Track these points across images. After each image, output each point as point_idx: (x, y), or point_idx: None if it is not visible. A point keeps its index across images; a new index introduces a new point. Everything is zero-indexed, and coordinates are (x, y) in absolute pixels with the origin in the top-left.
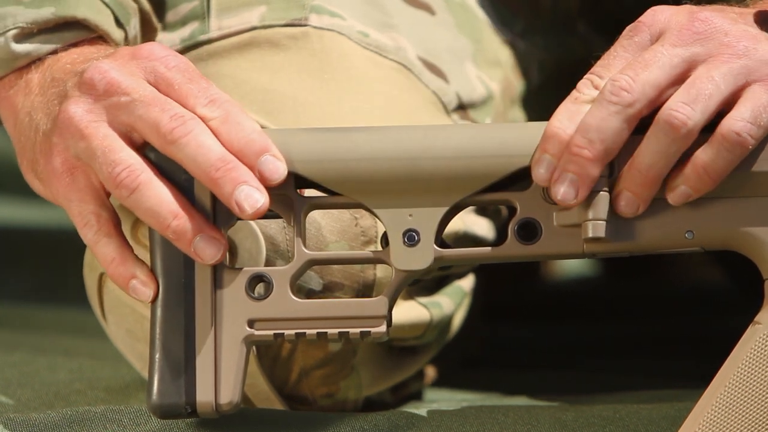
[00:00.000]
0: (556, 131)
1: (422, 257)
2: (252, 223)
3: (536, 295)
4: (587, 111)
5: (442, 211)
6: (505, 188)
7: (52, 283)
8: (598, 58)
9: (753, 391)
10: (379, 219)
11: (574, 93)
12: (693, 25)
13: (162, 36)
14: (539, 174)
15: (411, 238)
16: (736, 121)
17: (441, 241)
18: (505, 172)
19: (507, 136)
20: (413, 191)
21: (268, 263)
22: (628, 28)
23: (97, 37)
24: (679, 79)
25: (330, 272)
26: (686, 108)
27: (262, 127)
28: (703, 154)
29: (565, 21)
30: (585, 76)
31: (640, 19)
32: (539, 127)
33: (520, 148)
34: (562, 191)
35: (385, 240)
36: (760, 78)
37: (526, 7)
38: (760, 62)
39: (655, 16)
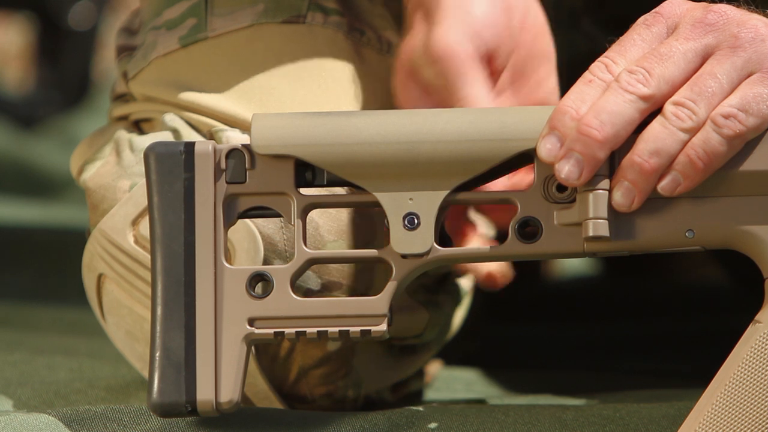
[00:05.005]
0: (568, 109)
1: (422, 241)
2: (250, 223)
3: (537, 295)
4: (601, 96)
5: (443, 195)
6: (506, 173)
7: (52, 283)
8: (612, 42)
9: (753, 390)
10: (379, 202)
11: (587, 75)
12: (706, 17)
13: (159, 34)
14: (545, 149)
15: (411, 221)
16: (723, 107)
17: (442, 237)
18: (505, 155)
19: (507, 120)
20: (413, 175)
21: (266, 263)
22: (644, 17)
23: None
24: (694, 72)
25: (328, 271)
26: (690, 104)
27: None
28: (693, 140)
29: (569, 17)
30: (599, 59)
31: (657, 9)
32: (540, 111)
33: (520, 132)
34: (566, 170)
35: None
36: (761, 69)
37: None
38: (765, 55)
39: (673, 8)
